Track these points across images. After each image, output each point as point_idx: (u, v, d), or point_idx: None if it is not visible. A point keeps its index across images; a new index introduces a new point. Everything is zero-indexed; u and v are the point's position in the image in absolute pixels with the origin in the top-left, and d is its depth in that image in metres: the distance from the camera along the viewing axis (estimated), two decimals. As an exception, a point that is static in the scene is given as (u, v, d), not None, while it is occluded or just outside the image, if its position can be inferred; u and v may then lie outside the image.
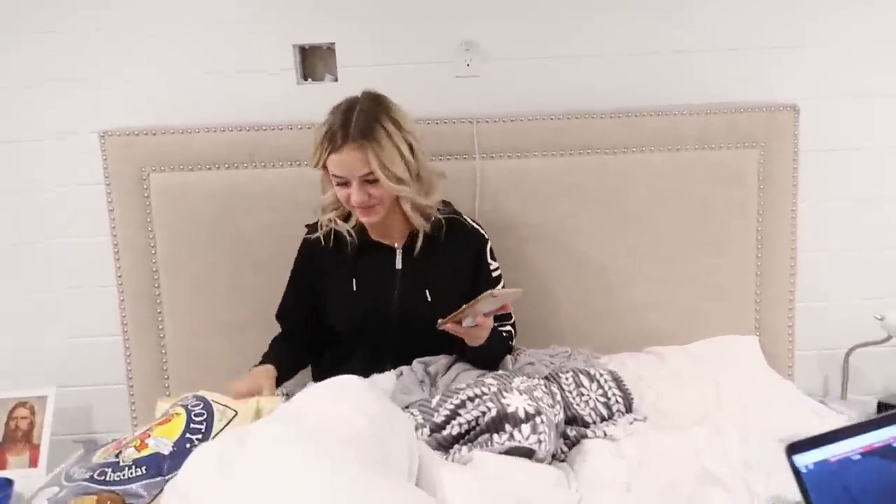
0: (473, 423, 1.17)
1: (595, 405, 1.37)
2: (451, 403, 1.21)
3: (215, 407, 1.13)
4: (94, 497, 0.94)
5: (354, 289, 1.49)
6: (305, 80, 1.86)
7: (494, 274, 1.55)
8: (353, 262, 1.49)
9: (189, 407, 1.12)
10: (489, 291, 1.27)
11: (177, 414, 1.11)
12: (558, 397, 1.32)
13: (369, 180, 1.36)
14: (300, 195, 1.70)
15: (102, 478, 0.98)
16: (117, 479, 0.98)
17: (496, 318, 1.53)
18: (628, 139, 1.75)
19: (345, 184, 1.38)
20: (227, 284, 1.74)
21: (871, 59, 1.83)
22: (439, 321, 1.32)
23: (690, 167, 1.76)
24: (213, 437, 1.05)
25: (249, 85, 1.80)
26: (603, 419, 1.36)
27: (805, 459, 0.76)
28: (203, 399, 1.16)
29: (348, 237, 1.48)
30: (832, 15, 1.80)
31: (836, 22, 1.81)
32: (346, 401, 0.92)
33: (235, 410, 1.15)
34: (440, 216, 1.50)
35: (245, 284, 1.74)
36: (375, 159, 1.33)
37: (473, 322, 1.32)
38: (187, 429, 1.07)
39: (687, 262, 1.79)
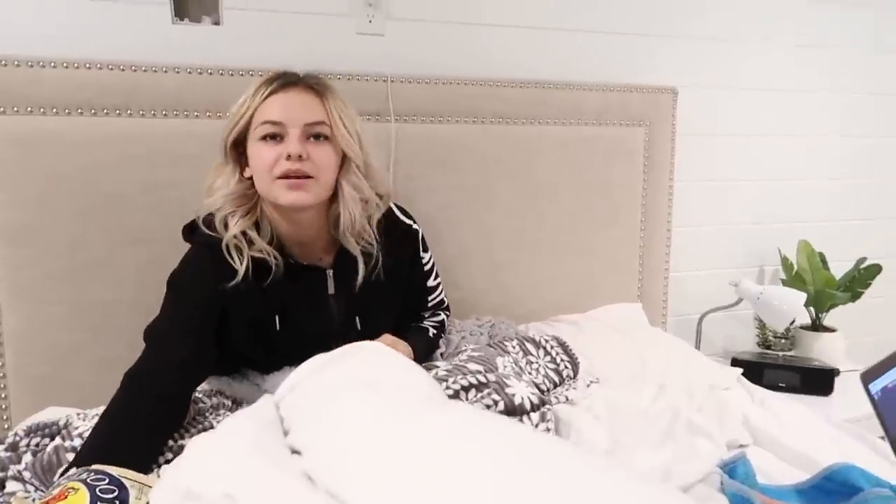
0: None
1: (546, 372, 1.35)
2: (450, 388, 1.09)
3: (126, 482, 0.82)
4: None
5: (277, 328, 1.18)
6: (181, 19, 1.58)
7: (427, 267, 1.41)
8: (276, 293, 1.16)
9: (89, 482, 0.81)
10: None
11: (73, 489, 0.80)
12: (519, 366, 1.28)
13: (315, 134, 1.13)
14: (188, 153, 1.45)
15: None
16: None
17: (427, 310, 1.45)
18: (536, 111, 1.77)
19: (276, 139, 1.11)
20: (92, 258, 1.41)
21: (746, 53, 2.07)
22: None
23: (591, 142, 1.83)
24: None
25: (119, 18, 1.48)
26: (555, 385, 1.34)
27: (874, 386, 0.81)
28: (105, 472, 0.84)
29: (272, 263, 1.14)
30: (720, 10, 2.01)
31: (723, 15, 2.02)
32: (411, 368, 0.78)
33: (151, 486, 0.84)
34: (373, 233, 1.23)
35: (118, 258, 1.43)
36: (334, 110, 1.14)
37: None
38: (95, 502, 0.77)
39: (586, 234, 1.86)
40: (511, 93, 1.73)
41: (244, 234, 1.14)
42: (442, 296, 1.47)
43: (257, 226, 1.17)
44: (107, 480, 0.81)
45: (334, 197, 1.19)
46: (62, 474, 0.94)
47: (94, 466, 0.84)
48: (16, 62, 1.33)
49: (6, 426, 1.37)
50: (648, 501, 0.53)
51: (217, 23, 1.61)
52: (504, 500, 0.53)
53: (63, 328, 1.40)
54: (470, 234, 1.74)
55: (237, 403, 1.03)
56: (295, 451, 0.71)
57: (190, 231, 1.20)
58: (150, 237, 1.43)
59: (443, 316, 1.47)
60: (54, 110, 1.37)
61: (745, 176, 2.15)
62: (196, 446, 0.74)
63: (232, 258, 1.12)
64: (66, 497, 0.77)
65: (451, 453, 0.59)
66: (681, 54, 2.00)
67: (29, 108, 1.35)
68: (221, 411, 1.16)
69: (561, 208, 1.82)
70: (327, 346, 1.03)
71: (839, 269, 2.14)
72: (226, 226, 1.15)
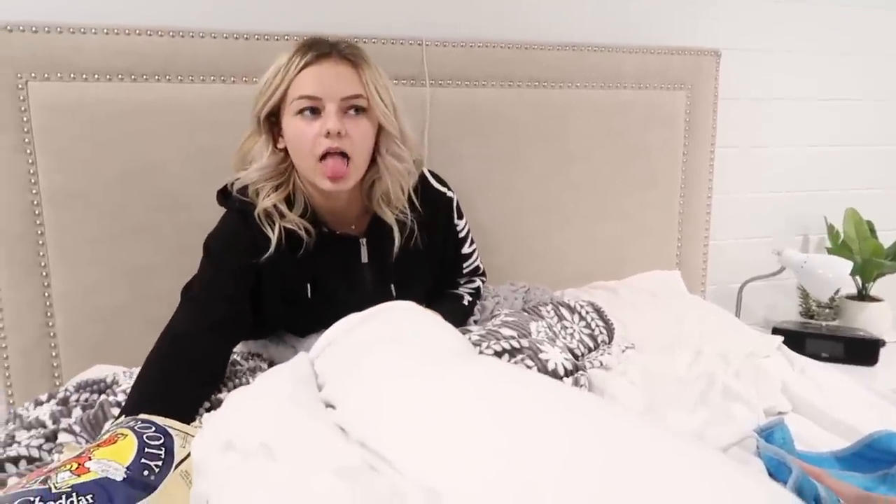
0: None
1: (580, 337, 1.34)
2: (484, 353, 1.09)
3: (172, 432, 0.85)
4: None
5: (309, 295, 1.20)
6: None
7: (461, 234, 1.39)
8: (310, 262, 1.18)
9: (137, 429, 0.84)
10: None
11: (122, 435, 0.83)
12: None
13: (354, 107, 1.11)
14: (227, 118, 1.46)
15: None
16: None
17: (463, 277, 1.44)
18: (572, 74, 1.73)
19: (314, 112, 1.09)
20: (134, 223, 1.45)
21: (791, 13, 1.99)
22: None
23: (629, 106, 1.79)
24: (177, 467, 0.79)
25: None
26: (590, 350, 1.34)
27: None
28: (152, 421, 0.87)
29: (304, 234, 1.15)
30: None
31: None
32: (441, 325, 0.79)
33: (194, 435, 0.86)
34: (406, 204, 1.22)
35: (158, 223, 1.46)
36: (370, 82, 1.11)
37: None
38: (142, 453, 0.79)
39: (623, 200, 1.83)
40: (547, 56, 1.70)
41: (276, 207, 1.14)
42: (477, 262, 1.46)
43: (290, 199, 1.17)
44: (153, 428, 0.84)
45: (370, 167, 1.18)
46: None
47: (141, 416, 0.87)
48: (58, 29, 1.36)
49: (57, 383, 1.43)
50: (685, 455, 0.53)
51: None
52: (534, 447, 0.53)
53: (107, 291, 1.44)
54: (504, 199, 1.73)
55: (273, 366, 1.05)
56: (329, 405, 0.73)
57: (223, 196, 1.21)
58: (189, 202, 1.45)
59: (479, 282, 1.47)
60: (96, 77, 1.39)
61: (790, 142, 2.08)
62: (234, 399, 0.76)
63: (264, 227, 1.13)
64: (115, 442, 0.80)
65: (479, 403, 0.59)
66: (723, 15, 1.93)
67: (72, 75, 1.38)
68: (258, 374, 1.18)
69: (597, 174, 1.79)
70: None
71: (888, 238, 2.07)
72: (258, 196, 1.16)
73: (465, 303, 1.41)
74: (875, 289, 2.05)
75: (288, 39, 1.49)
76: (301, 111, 1.10)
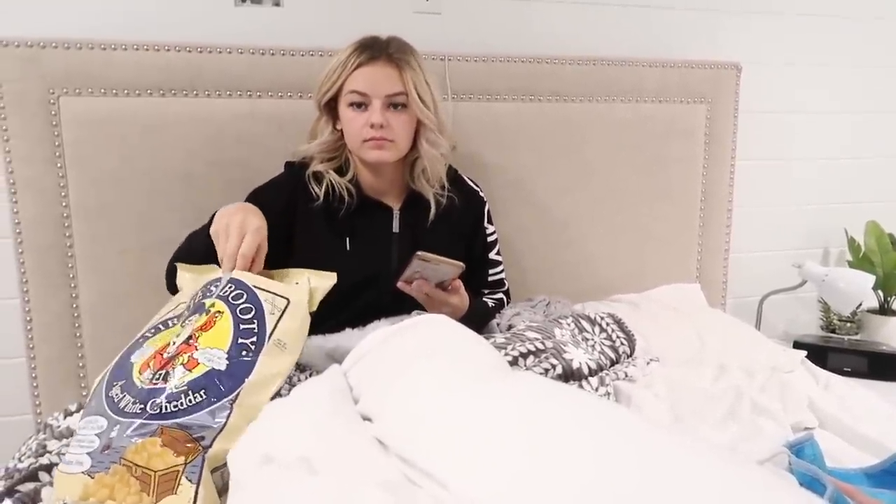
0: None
1: (602, 349, 1.34)
2: (509, 355, 1.10)
3: (261, 296, 0.93)
4: (158, 439, 0.75)
5: (347, 248, 1.33)
6: (243, 1, 1.61)
7: (490, 239, 1.50)
8: (348, 221, 1.33)
9: (230, 300, 0.92)
10: (418, 252, 1.14)
11: (219, 312, 0.91)
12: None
13: (395, 104, 1.28)
14: (253, 131, 1.49)
15: (157, 412, 0.79)
16: (174, 409, 0.79)
17: (487, 286, 1.48)
18: (593, 88, 1.74)
19: (362, 107, 1.27)
20: (162, 236, 1.46)
21: (812, 28, 2.00)
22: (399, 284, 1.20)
23: (649, 119, 1.79)
24: (271, 337, 0.87)
25: (184, 1, 1.52)
26: (612, 362, 1.34)
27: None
28: (242, 285, 0.94)
29: (346, 195, 1.32)
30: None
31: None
32: (475, 339, 0.80)
33: (287, 298, 0.95)
34: (445, 183, 1.40)
35: (185, 235, 1.47)
36: (411, 80, 1.27)
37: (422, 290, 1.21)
38: (237, 331, 0.88)
39: (643, 213, 1.83)
40: (568, 70, 1.71)
41: (325, 171, 1.33)
42: (503, 276, 1.50)
43: (341, 170, 1.35)
44: (244, 296, 0.93)
45: (412, 149, 1.35)
46: None
47: (235, 276, 0.96)
48: (90, 45, 1.39)
49: (84, 393, 1.45)
50: (724, 469, 0.53)
51: (278, 4, 1.64)
52: (576, 466, 0.53)
53: (135, 302, 1.46)
54: (524, 212, 1.74)
55: (302, 370, 1.06)
56: (366, 419, 0.74)
57: (287, 165, 1.39)
58: (215, 215, 1.47)
59: (502, 296, 1.49)
60: (126, 91, 1.42)
61: (810, 154, 2.08)
62: (271, 411, 0.77)
63: (310, 185, 1.32)
64: (214, 324, 0.89)
65: (520, 419, 0.60)
66: (744, 30, 1.94)
67: (102, 90, 1.41)
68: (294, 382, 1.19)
69: (617, 187, 1.80)
70: (386, 286, 1.23)
71: (910, 251, 2.06)
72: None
73: (490, 304, 1.44)
74: (897, 302, 2.03)
75: (313, 55, 1.51)
76: (352, 104, 1.28)
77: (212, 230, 1.06)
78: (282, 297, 0.95)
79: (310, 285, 1.00)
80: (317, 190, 1.32)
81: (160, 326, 1.01)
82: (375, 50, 1.28)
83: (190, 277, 1.09)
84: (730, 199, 1.93)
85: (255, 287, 0.95)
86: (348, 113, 1.29)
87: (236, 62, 1.48)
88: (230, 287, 0.95)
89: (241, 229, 1.01)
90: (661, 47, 1.84)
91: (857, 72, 2.07)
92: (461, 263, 1.21)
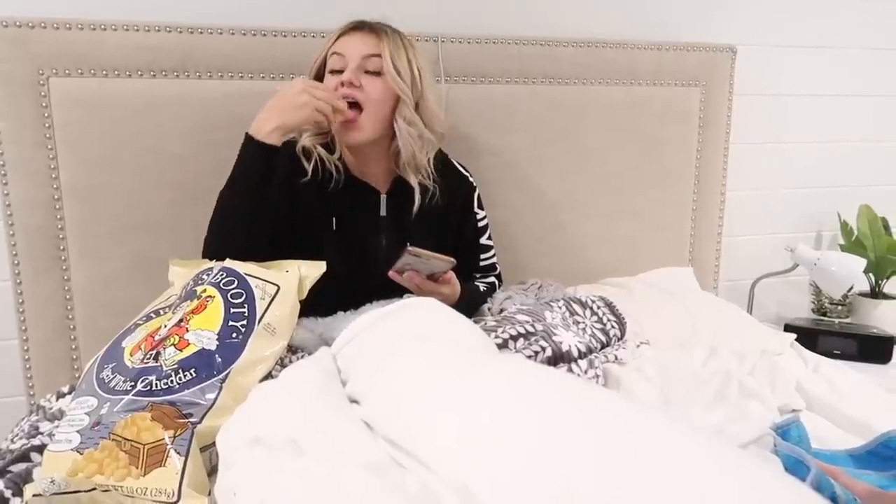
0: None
1: (593, 332, 1.35)
2: (499, 338, 1.10)
3: (252, 282, 0.95)
4: (148, 414, 0.77)
5: (334, 228, 1.33)
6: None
7: (480, 224, 1.49)
8: (336, 199, 1.33)
9: (221, 286, 0.94)
10: (409, 247, 1.16)
11: (210, 297, 0.93)
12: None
13: (369, 70, 1.27)
14: (245, 112, 1.47)
15: (147, 388, 0.81)
16: (165, 387, 0.81)
17: (478, 270, 1.48)
18: (587, 71, 1.73)
19: (340, 73, 1.27)
20: (154, 217, 1.47)
21: (808, 10, 1.98)
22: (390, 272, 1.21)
23: (643, 102, 1.79)
24: (260, 321, 0.90)
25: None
26: (603, 346, 1.34)
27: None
28: (233, 272, 0.97)
29: (334, 171, 1.31)
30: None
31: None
32: (464, 323, 0.80)
33: (277, 285, 0.97)
34: (430, 170, 1.37)
35: (176, 217, 1.48)
36: (386, 48, 1.27)
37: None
38: (228, 314, 0.90)
39: (636, 196, 1.83)
40: (562, 52, 1.70)
41: (313, 145, 1.31)
42: (494, 260, 1.50)
43: (329, 147, 1.33)
44: (235, 282, 0.95)
45: (395, 135, 1.32)
46: None
47: (226, 265, 0.98)
48: (79, 25, 1.37)
49: (77, 375, 1.45)
50: (712, 452, 0.54)
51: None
52: (566, 445, 0.54)
53: (127, 283, 1.46)
54: (518, 195, 1.73)
55: (294, 352, 1.07)
56: (353, 401, 0.74)
57: None
58: (207, 196, 1.45)
59: (493, 279, 1.49)
60: (116, 72, 1.41)
61: (804, 138, 2.08)
62: (260, 393, 0.77)
63: (301, 159, 1.30)
64: (205, 307, 0.91)
65: (510, 401, 0.60)
66: (739, 11, 1.93)
67: (92, 71, 1.39)
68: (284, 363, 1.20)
69: (611, 170, 1.80)
70: (376, 269, 1.23)
71: (902, 235, 2.07)
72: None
73: (481, 290, 1.44)
74: (889, 286, 2.04)
75: (305, 36, 1.50)
76: (332, 71, 1.29)
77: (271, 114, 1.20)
78: (272, 283, 0.97)
79: (300, 273, 1.02)
80: (306, 165, 1.31)
81: (151, 315, 1.02)
82: (358, 23, 1.31)
83: (182, 272, 1.11)
84: (723, 182, 1.93)
85: (246, 274, 0.96)
86: (328, 80, 1.29)
87: (227, 42, 1.46)
88: (222, 274, 0.97)
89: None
90: (656, 29, 1.83)
91: (851, 55, 2.06)
92: (452, 259, 1.22)
